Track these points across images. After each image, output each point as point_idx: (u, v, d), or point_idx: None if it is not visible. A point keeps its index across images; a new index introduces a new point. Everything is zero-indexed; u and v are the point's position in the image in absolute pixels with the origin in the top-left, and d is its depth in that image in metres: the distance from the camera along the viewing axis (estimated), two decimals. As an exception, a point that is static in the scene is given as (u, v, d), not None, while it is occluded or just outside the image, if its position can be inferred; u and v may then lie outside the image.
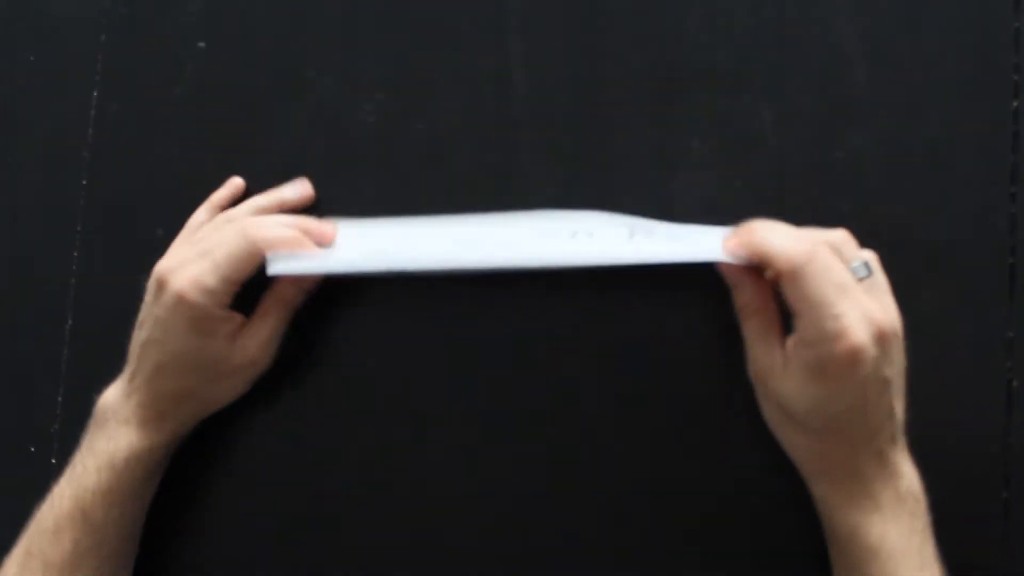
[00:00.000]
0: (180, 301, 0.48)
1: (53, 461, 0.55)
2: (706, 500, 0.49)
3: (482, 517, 0.51)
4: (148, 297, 0.50)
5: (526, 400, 0.51)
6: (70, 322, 0.56)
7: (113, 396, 0.50)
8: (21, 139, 0.58)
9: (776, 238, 0.43)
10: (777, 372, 0.44)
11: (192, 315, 0.48)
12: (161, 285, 0.48)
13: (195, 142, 0.55)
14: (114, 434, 0.49)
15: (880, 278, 0.44)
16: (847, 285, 0.41)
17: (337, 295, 0.53)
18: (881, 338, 0.41)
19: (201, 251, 0.49)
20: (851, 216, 0.48)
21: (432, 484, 0.51)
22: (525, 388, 0.51)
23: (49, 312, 0.56)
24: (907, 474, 0.43)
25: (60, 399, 0.55)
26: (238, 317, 0.50)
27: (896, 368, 0.43)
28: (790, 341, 0.44)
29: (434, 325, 0.52)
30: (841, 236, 0.44)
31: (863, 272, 0.43)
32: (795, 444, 0.45)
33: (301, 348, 0.53)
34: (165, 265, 0.49)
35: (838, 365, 0.41)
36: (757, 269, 0.45)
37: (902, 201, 0.48)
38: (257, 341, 0.50)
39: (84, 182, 0.57)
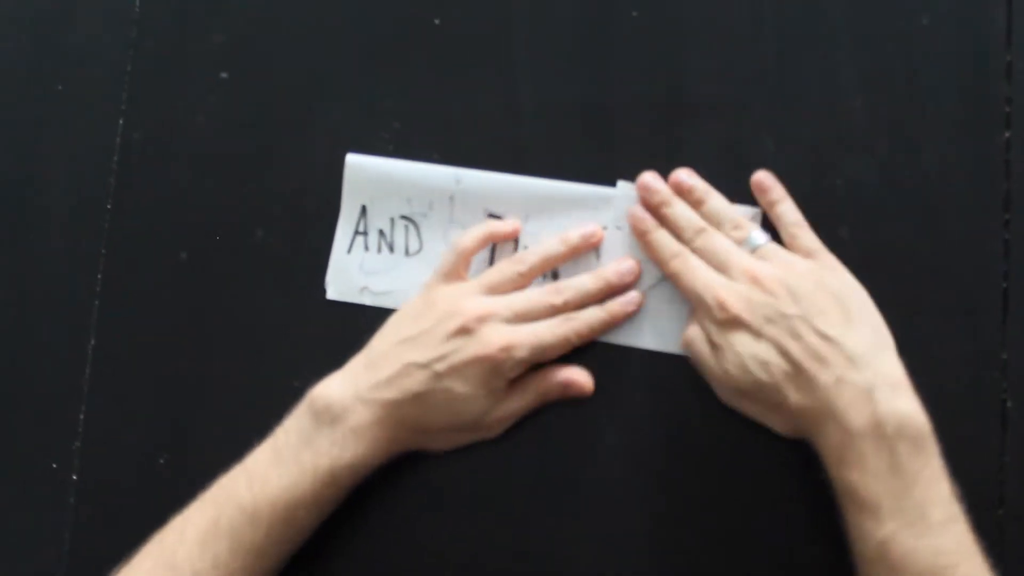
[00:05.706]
0: (488, 359, 0.47)
1: (74, 477, 0.56)
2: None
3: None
4: (438, 328, 0.48)
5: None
6: (93, 341, 0.57)
7: (347, 398, 0.48)
8: (49, 165, 0.60)
9: (658, 241, 0.49)
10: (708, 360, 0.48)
11: (492, 373, 0.47)
12: (467, 330, 0.47)
13: (217, 169, 0.57)
14: (342, 441, 0.47)
15: (771, 245, 0.48)
16: (724, 261, 0.47)
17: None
18: (755, 281, 0.46)
19: (514, 313, 0.48)
20: (850, 241, 0.50)
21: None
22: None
23: (73, 332, 0.57)
24: (883, 400, 0.43)
25: (82, 417, 0.56)
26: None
27: (803, 305, 0.45)
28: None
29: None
30: (735, 220, 0.49)
31: (758, 241, 0.48)
32: (763, 415, 0.48)
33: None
34: (473, 310, 0.48)
35: (725, 324, 0.46)
36: None
37: (899, 227, 0.50)
38: (506, 410, 0.50)
39: (109, 206, 0.58)
